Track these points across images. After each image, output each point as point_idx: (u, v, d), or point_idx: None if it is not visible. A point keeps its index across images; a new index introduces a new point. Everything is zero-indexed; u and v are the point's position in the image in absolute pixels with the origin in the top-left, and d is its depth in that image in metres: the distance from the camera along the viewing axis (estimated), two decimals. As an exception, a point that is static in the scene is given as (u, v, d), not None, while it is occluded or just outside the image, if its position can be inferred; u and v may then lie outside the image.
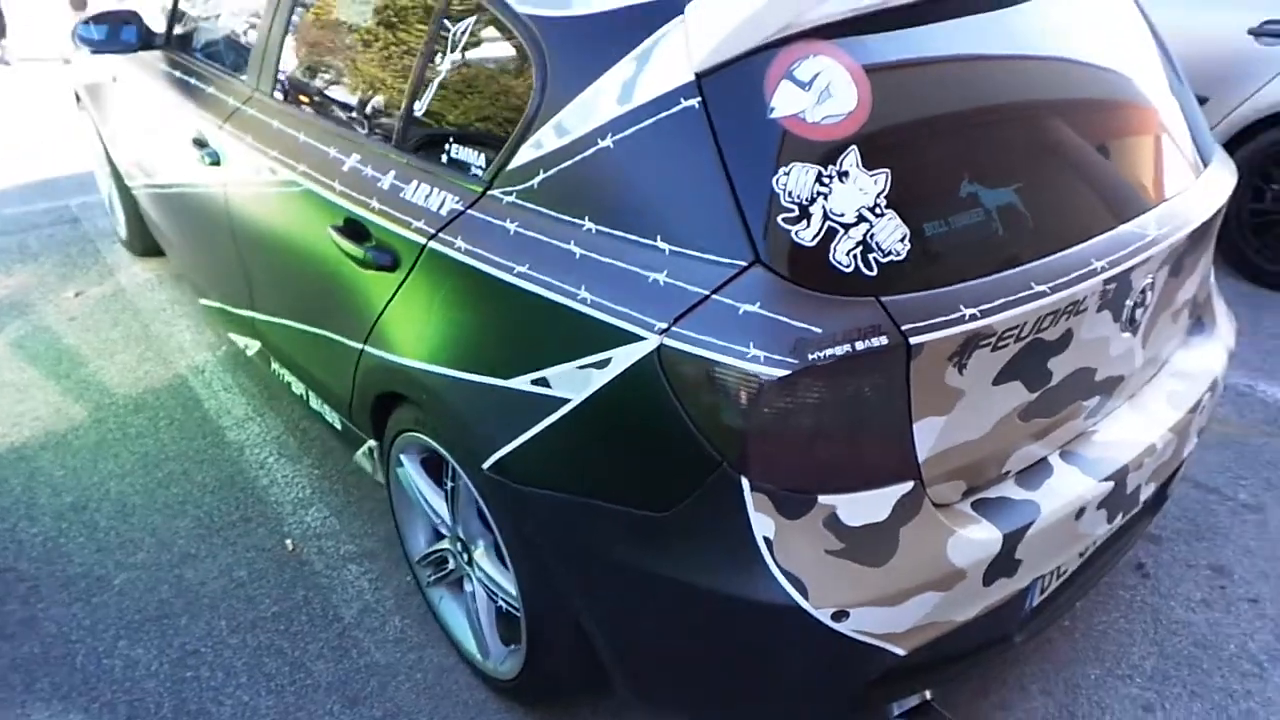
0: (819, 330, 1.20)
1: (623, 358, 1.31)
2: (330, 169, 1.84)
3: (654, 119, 1.30)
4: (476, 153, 1.57)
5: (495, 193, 1.51)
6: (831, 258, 1.23)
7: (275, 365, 2.49)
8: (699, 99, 1.27)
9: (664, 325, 1.26)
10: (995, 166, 1.35)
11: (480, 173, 1.56)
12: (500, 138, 1.53)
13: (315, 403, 2.30)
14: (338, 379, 2.06)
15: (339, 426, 2.21)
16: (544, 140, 1.43)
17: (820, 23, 1.28)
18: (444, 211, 1.58)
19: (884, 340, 1.21)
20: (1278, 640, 2.03)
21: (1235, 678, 1.94)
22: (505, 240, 1.47)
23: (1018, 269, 1.31)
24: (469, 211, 1.54)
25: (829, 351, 1.20)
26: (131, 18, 2.68)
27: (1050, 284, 1.32)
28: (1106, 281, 1.39)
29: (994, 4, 1.45)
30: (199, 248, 2.76)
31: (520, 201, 1.47)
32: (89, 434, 2.76)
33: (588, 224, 1.38)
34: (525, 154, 1.46)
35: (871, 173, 1.25)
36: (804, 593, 1.28)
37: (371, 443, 2.06)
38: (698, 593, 1.35)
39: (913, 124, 1.32)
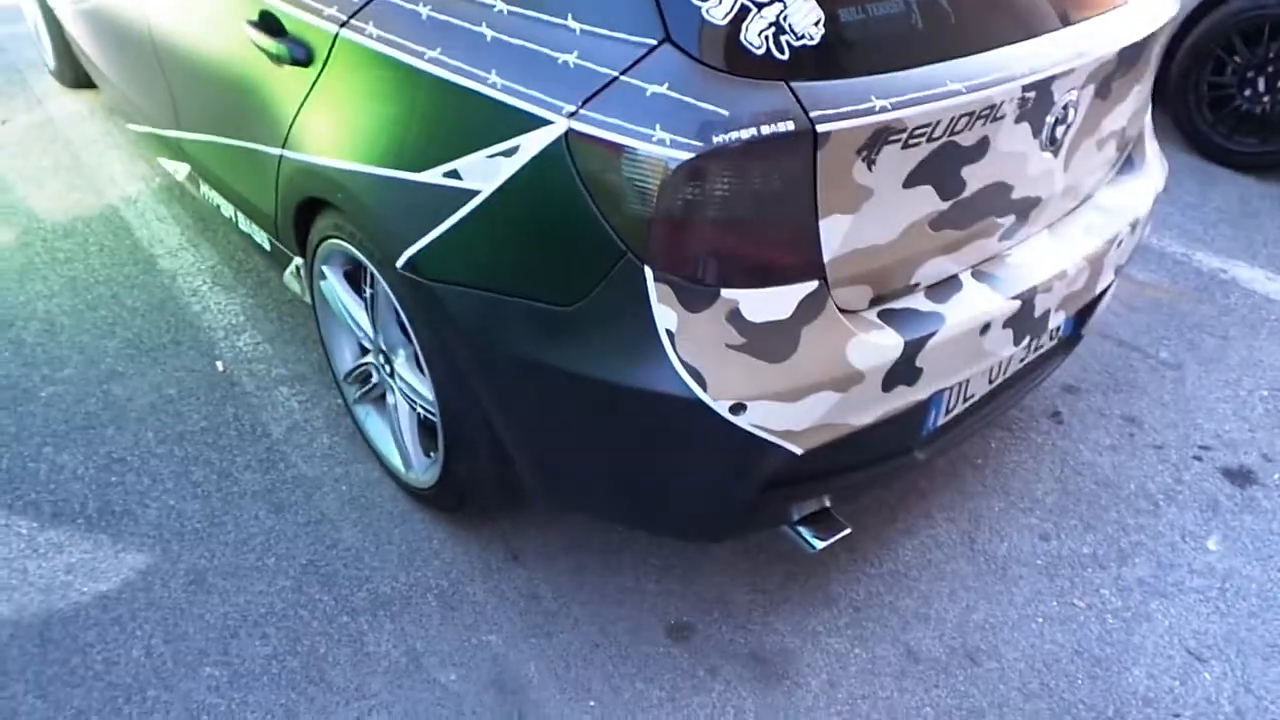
0: (726, 113, 1.18)
1: (531, 144, 1.28)
2: (244, -42, 1.74)
3: (568, -112, 1.24)
4: (391, -67, 1.49)
5: (409, -25, 1.44)
6: (743, 38, 1.19)
7: (204, 188, 2.42)
8: None
9: (572, 108, 1.23)
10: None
11: (395, -45, 1.48)
12: (416, -84, 1.45)
13: (244, 224, 2.25)
14: (261, 193, 2.01)
15: (267, 247, 2.17)
16: (458, -85, 1.36)
17: None
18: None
19: (790, 126, 1.19)
20: (1176, 483, 2.12)
21: (1130, 513, 2.04)
22: (418, 24, 1.41)
23: (934, 66, 1.29)
24: (382, -3, 1.47)
25: (734, 135, 1.17)
26: None
27: (966, 84, 1.30)
28: (1025, 89, 1.37)
29: None
30: (123, 68, 2.63)
31: (434, -16, 1.40)
32: (15, 257, 2.69)
33: (499, 4, 1.33)
34: (439, -69, 1.39)
35: (790, -49, 1.20)
36: (703, 384, 1.29)
37: (298, 260, 2.03)
38: (601, 386, 1.36)
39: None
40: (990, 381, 1.70)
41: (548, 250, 1.35)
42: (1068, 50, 1.43)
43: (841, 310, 1.37)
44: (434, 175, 1.42)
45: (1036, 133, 1.46)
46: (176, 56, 2.15)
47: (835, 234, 1.30)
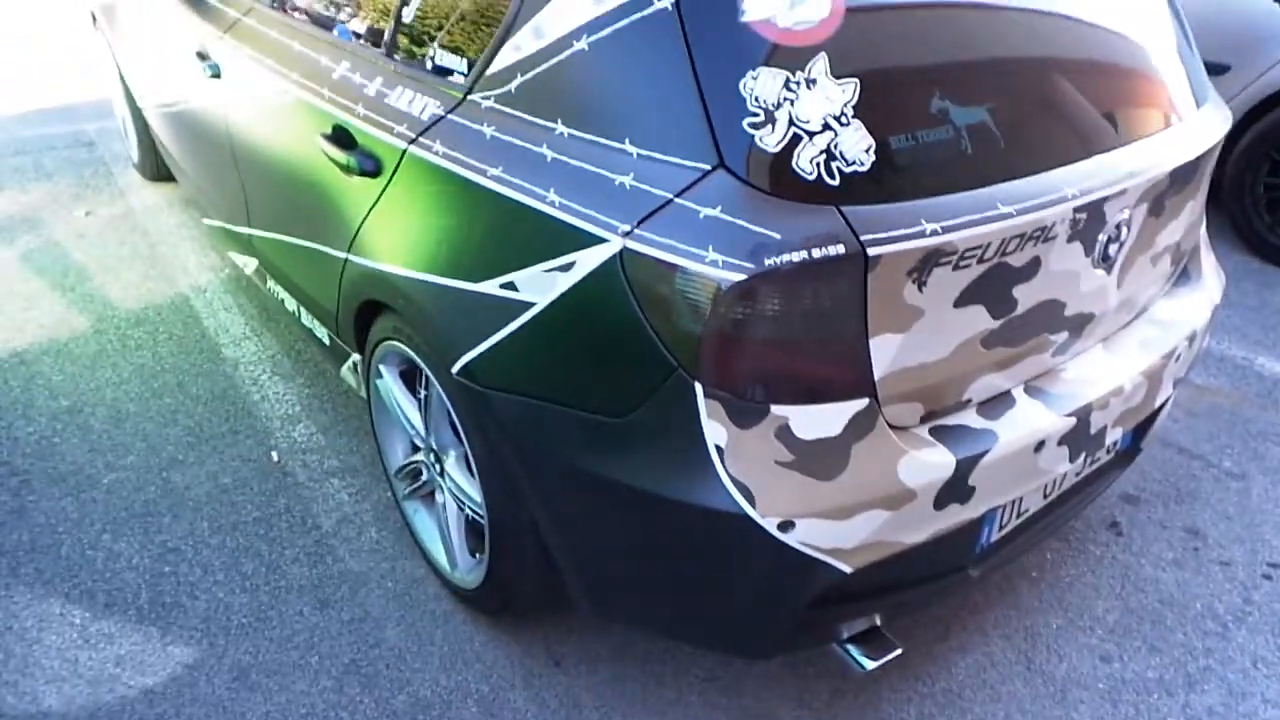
0: (777, 236, 1.20)
1: (586, 260, 1.32)
2: (321, 76, 1.85)
3: (628, 20, 1.30)
4: (459, 58, 1.58)
5: (475, 97, 1.52)
6: (794, 164, 1.23)
7: (270, 283, 2.52)
8: (672, 1, 1.26)
9: (627, 228, 1.27)
10: (969, 84, 1.34)
11: (462, 78, 1.56)
12: (482, 42, 1.53)
13: (306, 319, 2.33)
14: (325, 292, 2.08)
15: (327, 342, 2.24)
16: (523, 44, 1.44)
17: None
18: (425, 116, 1.59)
19: (841, 249, 1.21)
20: (1245, 603, 2.03)
21: (1197, 635, 1.95)
22: (482, 144, 1.47)
23: (985, 189, 1.31)
24: (449, 116, 1.55)
25: (786, 258, 1.20)
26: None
27: (1017, 206, 1.31)
28: (1077, 210, 1.38)
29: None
30: (201, 165, 2.78)
31: (498, 106, 1.47)
32: (89, 344, 2.81)
33: (560, 127, 1.38)
34: (505, 58, 1.47)
35: (840, 82, 1.24)
36: (751, 501, 1.29)
37: (355, 357, 2.09)
38: (650, 499, 1.36)
39: (885, 35, 1.31)
40: (1045, 496, 1.66)
41: (600, 363, 1.37)
42: (1120, 171, 1.44)
43: (892, 427, 1.36)
44: (491, 286, 1.47)
45: (1089, 251, 1.46)
46: (252, 159, 2.27)
47: (886, 352, 1.31)
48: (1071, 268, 1.45)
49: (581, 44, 1.35)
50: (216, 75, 2.31)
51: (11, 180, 3.94)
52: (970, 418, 1.45)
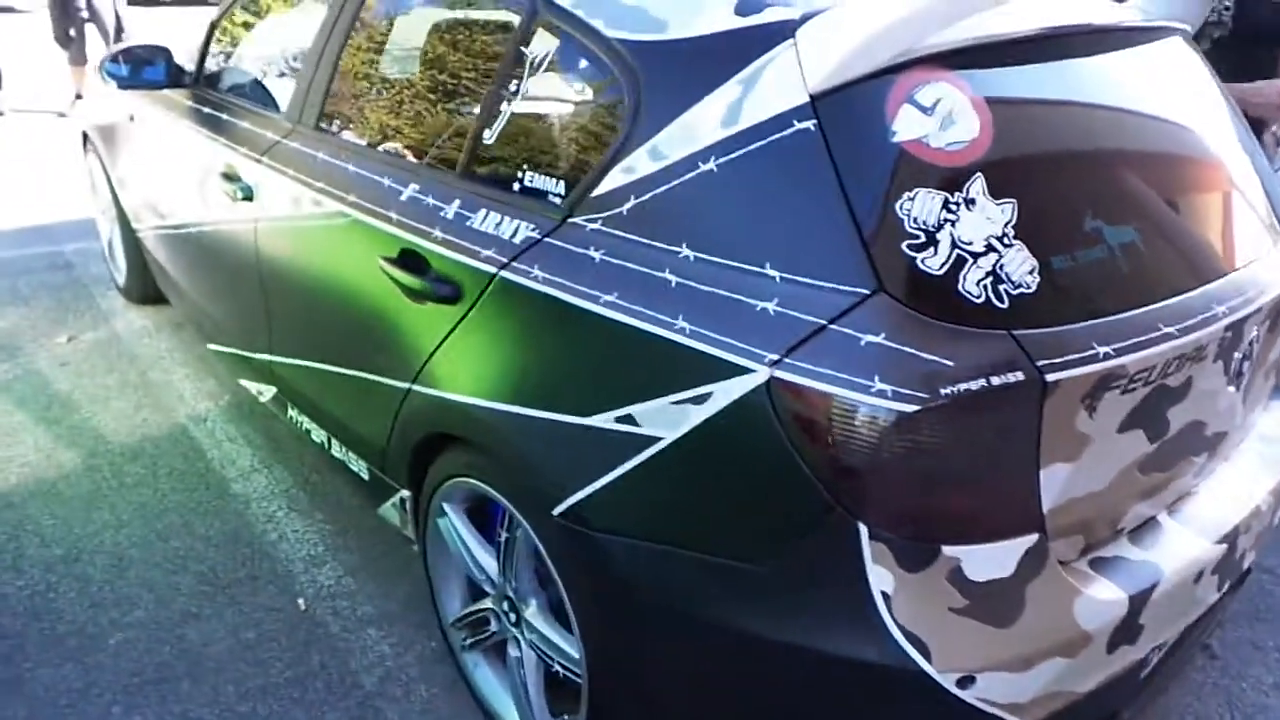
0: (951, 363, 1.12)
1: (725, 392, 1.22)
2: (385, 199, 1.75)
3: (763, 142, 1.24)
4: (554, 180, 1.50)
5: (578, 220, 1.43)
6: (961, 287, 1.16)
7: (293, 412, 2.35)
8: (814, 121, 1.21)
9: (775, 357, 1.18)
10: (1115, 204, 1.30)
11: (559, 200, 1.48)
12: (583, 164, 1.46)
13: (338, 451, 2.16)
14: (371, 423, 1.93)
15: (365, 476, 2.07)
16: (636, 165, 1.36)
17: (937, 50, 1.24)
18: (518, 240, 1.49)
19: (1019, 376, 1.13)
20: (1357, 726, 1.92)
21: (1321, 765, 1.83)
22: (590, 268, 1.38)
23: (1144, 309, 1.25)
24: (547, 239, 1.46)
25: (962, 386, 1.11)
26: (160, 53, 2.62)
27: (1178, 326, 1.25)
28: (1226, 328, 1.33)
29: (1097, 48, 1.43)
30: (214, 289, 2.64)
31: (607, 229, 1.39)
32: (81, 482, 2.58)
33: (685, 251, 1.30)
34: (614, 180, 1.39)
35: (998, 202, 1.19)
36: (926, 655, 1.16)
37: (404, 493, 1.93)
38: (798, 654, 1.23)
39: (1034, 156, 1.27)
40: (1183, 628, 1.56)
41: (739, 503, 1.25)
42: (1256, 287, 1.40)
43: (1058, 562, 1.25)
44: (604, 420, 1.35)
45: (1227, 369, 1.41)
46: (284, 284, 2.15)
47: (1055, 484, 1.21)
48: (1214, 386, 1.40)
49: (709, 166, 1.28)
50: (249, 197, 2.20)
51: (-16, 306, 3.73)
52: (1126, 548, 1.36)
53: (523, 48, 1.59)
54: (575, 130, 1.50)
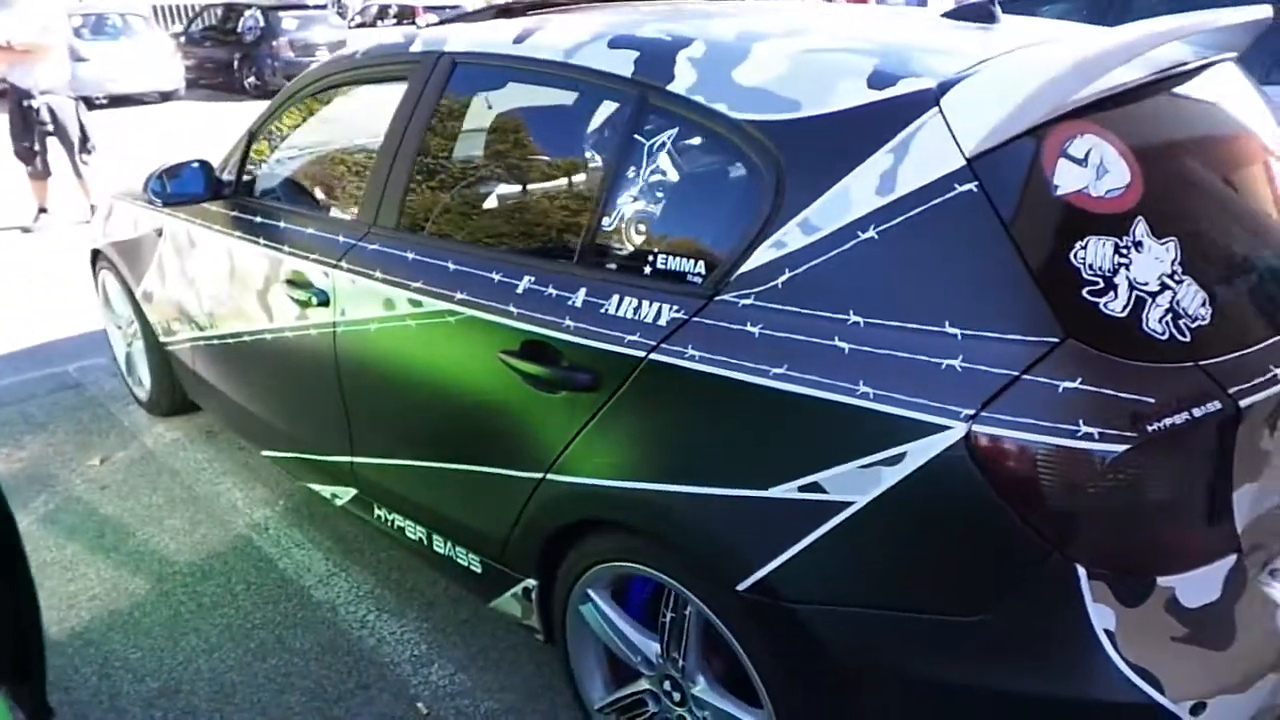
0: (1151, 400, 1.16)
1: (921, 451, 1.24)
2: (498, 293, 1.76)
3: (925, 206, 1.29)
4: (691, 260, 1.53)
5: (727, 297, 1.46)
6: (1145, 326, 1.21)
7: (380, 511, 2.32)
8: (975, 183, 1.26)
9: (971, 411, 1.21)
10: (1256, 227, 1.37)
11: (699, 280, 1.51)
12: (722, 242, 1.50)
13: (442, 546, 2.13)
14: (488, 516, 1.92)
15: (478, 569, 2.05)
16: (787, 240, 1.40)
17: (1076, 104, 1.30)
18: (663, 322, 1.52)
19: (1217, 405, 1.18)
20: None
21: None
22: (751, 343, 1.41)
23: (1298, 328, 1.32)
24: (696, 319, 1.48)
25: (1167, 421, 1.16)
26: (200, 166, 2.61)
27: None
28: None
29: (1188, 81, 1.51)
30: (275, 396, 2.61)
31: (762, 303, 1.42)
32: (158, 609, 2.50)
33: (853, 317, 1.33)
34: (763, 255, 1.43)
35: (1161, 241, 1.25)
36: (1159, 687, 1.19)
37: (528, 582, 1.91)
38: (1024, 702, 1.25)
39: (1179, 193, 1.34)
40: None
41: (946, 558, 1.27)
42: None
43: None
44: (786, 490, 1.36)
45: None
46: (374, 385, 2.13)
47: (1245, 503, 1.26)
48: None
49: (869, 234, 1.33)
50: (324, 302, 2.19)
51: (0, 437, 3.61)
52: (1292, 558, 1.41)
53: (635, 135, 1.62)
54: (708, 210, 1.54)
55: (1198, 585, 1.22)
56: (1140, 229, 1.24)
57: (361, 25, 18.28)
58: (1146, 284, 1.22)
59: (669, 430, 1.51)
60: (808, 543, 1.35)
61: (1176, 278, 1.24)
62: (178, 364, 3.23)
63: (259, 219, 2.50)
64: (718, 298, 1.47)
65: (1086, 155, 1.27)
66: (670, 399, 1.51)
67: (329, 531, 2.82)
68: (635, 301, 1.57)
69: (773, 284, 1.41)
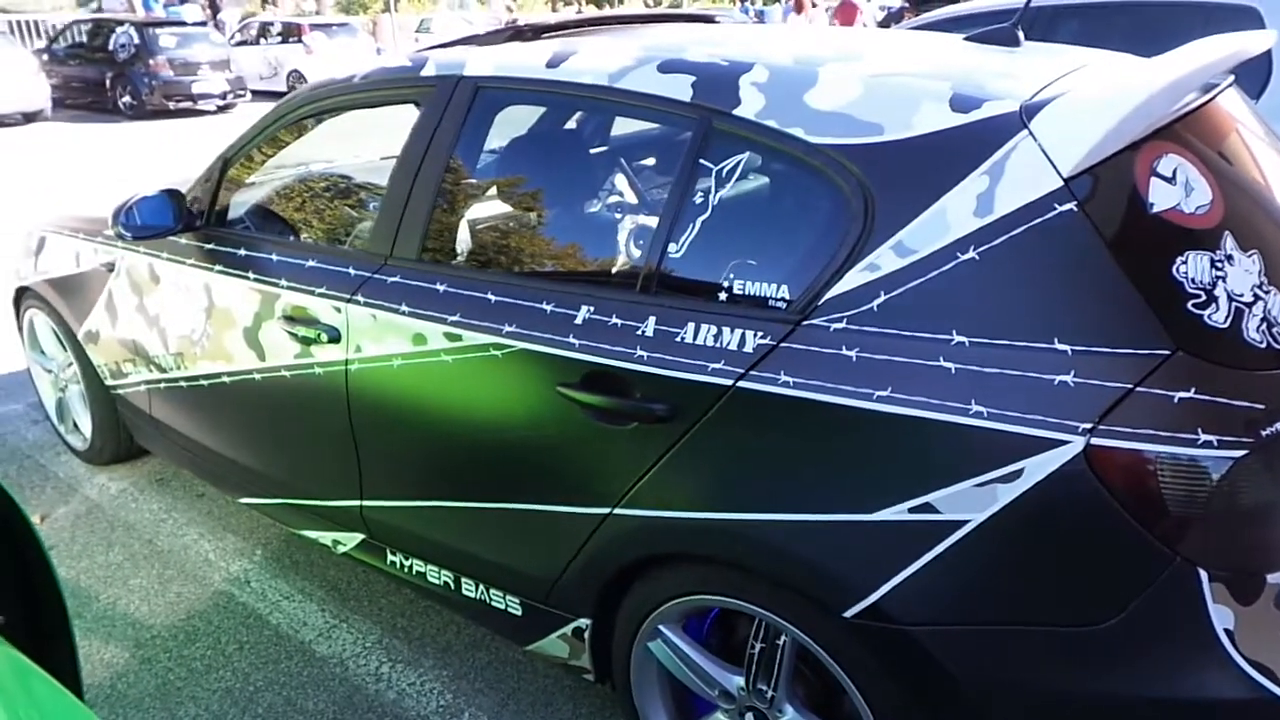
0: (1262, 406, 1.22)
1: (1039, 467, 1.27)
2: (554, 324, 1.70)
3: (1026, 226, 1.32)
4: (773, 285, 1.52)
5: (817, 322, 1.45)
6: (1246, 336, 1.27)
7: (396, 557, 2.20)
8: (1074, 203, 1.30)
9: (1088, 425, 1.24)
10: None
11: (783, 305, 1.50)
12: (807, 267, 1.49)
13: (473, 590, 2.04)
14: (536, 556, 1.85)
15: (517, 612, 1.97)
16: (881, 263, 1.41)
17: (1159, 124, 1.36)
18: (749, 349, 1.49)
19: (1318, 407, 1.24)
20: None
21: None
22: (849, 367, 1.40)
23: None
24: (784, 345, 1.47)
25: (1278, 425, 1.21)
26: (171, 197, 2.42)
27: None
28: None
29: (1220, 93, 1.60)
30: (260, 439, 2.44)
31: (856, 327, 1.42)
32: (144, 679, 2.29)
33: (958, 338, 1.35)
34: (855, 279, 1.43)
35: (1248, 253, 1.31)
36: (1276, 680, 1.24)
37: (580, 622, 1.85)
38: (1149, 706, 1.28)
39: (1252, 206, 1.41)
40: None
41: (1067, 570, 1.29)
42: None
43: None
44: (896, 513, 1.36)
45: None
46: (397, 425, 2.02)
47: (1328, 498, 1.34)
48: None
49: (969, 255, 1.35)
50: (335, 339, 2.07)
51: (-87, 498, 3.25)
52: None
53: (701, 160, 1.60)
54: (787, 235, 1.53)
55: (1300, 579, 1.29)
56: (1230, 243, 1.31)
57: (243, 44, 17.59)
58: (1242, 295, 1.28)
59: (762, 458, 1.49)
60: (921, 564, 1.35)
61: (1264, 288, 1.30)
62: (128, 408, 2.99)
63: (243, 251, 2.34)
64: (806, 322, 1.46)
65: (1174, 173, 1.33)
66: (763, 426, 1.48)
67: (319, 580, 2.66)
68: (714, 329, 1.54)
69: (867, 307, 1.42)
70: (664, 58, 1.71)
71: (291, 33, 17.17)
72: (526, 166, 1.97)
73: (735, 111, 1.57)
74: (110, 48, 14.49)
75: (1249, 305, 1.28)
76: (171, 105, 14.16)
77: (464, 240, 1.98)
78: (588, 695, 2.17)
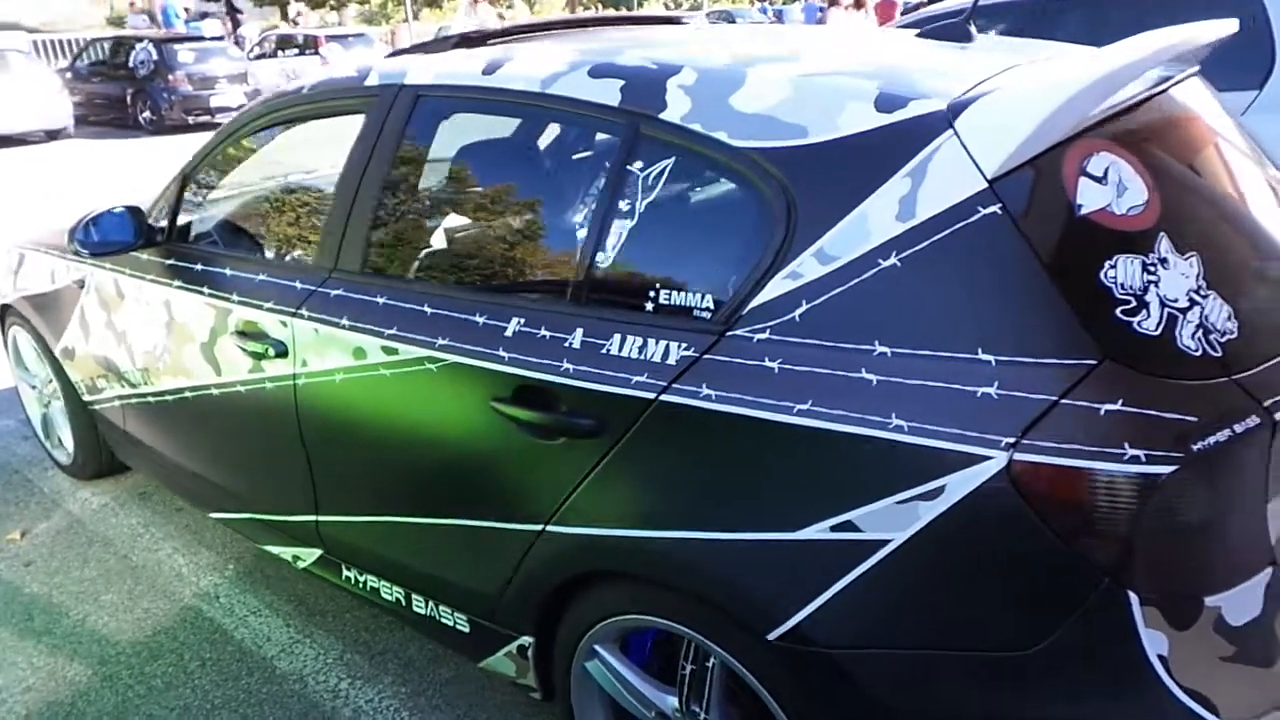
0: (1194, 419, 1.15)
1: (960, 483, 1.20)
2: (485, 337, 1.66)
3: (949, 230, 1.26)
4: (697, 295, 1.47)
5: (740, 332, 1.40)
6: (1179, 344, 1.20)
7: (350, 572, 2.17)
8: (999, 205, 1.24)
9: (1011, 440, 1.18)
10: (1262, 242, 1.38)
11: (707, 315, 1.45)
12: (729, 275, 1.44)
13: (423, 606, 2.00)
14: (478, 572, 1.81)
15: (465, 629, 1.93)
16: (803, 271, 1.35)
17: (1091, 121, 1.29)
18: (672, 361, 1.44)
19: (1255, 420, 1.17)
20: None
21: None
22: (771, 380, 1.35)
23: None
24: (707, 356, 1.42)
25: (1212, 439, 1.15)
26: (130, 213, 2.42)
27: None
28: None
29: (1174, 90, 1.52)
30: (224, 454, 2.43)
31: (779, 337, 1.36)
32: (103, 696, 2.28)
33: (880, 348, 1.29)
34: (777, 287, 1.37)
35: (1184, 257, 1.24)
36: (1214, 710, 1.17)
37: (523, 640, 1.80)
38: (1081, 734, 1.21)
39: (1193, 207, 1.34)
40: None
41: (991, 592, 1.23)
42: None
43: (1282, 590, 1.29)
44: (818, 532, 1.31)
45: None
46: (342, 440, 2.00)
47: (1276, 516, 1.26)
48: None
49: (890, 261, 1.29)
50: (282, 353, 2.04)
51: (-101, 514, 3.29)
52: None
53: (627, 166, 1.56)
54: (712, 242, 1.48)
55: (1241, 602, 1.21)
56: (1164, 245, 1.24)
57: (261, 57, 17.78)
58: (1176, 300, 1.21)
59: (685, 474, 1.44)
60: (843, 585, 1.29)
61: (1202, 293, 1.23)
62: (105, 424, 2.99)
63: (200, 267, 2.33)
64: (730, 333, 1.41)
65: (1105, 173, 1.26)
66: (685, 441, 1.43)
67: (287, 595, 2.64)
68: (639, 340, 1.49)
69: (789, 317, 1.36)
70: (595, 62, 1.66)
71: (309, 45, 17.35)
72: (463, 176, 1.93)
73: (661, 115, 1.53)
74: (130, 64, 14.70)
75: (1183, 311, 1.21)
76: (190, 119, 14.33)
77: (404, 252, 1.95)
78: (544, 712, 2.12)
